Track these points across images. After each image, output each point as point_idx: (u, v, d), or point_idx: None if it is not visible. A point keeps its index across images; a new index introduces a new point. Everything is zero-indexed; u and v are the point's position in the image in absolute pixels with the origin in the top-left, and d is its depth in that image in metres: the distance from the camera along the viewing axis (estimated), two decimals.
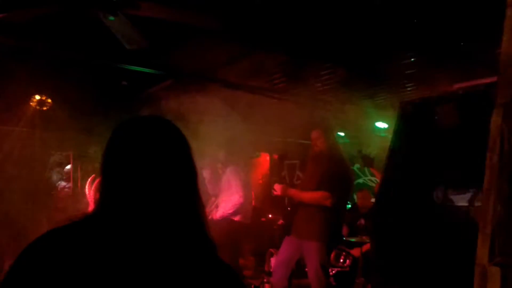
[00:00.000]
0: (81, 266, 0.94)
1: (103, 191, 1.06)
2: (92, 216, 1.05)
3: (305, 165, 3.99)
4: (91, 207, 2.88)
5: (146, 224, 1.01)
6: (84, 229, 1.01)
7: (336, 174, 3.71)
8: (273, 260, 5.46)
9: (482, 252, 1.03)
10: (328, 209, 3.68)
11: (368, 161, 5.23)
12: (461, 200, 2.28)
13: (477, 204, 2.09)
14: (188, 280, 0.99)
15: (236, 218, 4.30)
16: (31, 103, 5.76)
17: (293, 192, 3.93)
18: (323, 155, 3.83)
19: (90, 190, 2.97)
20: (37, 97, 5.72)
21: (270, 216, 6.50)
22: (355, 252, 5.02)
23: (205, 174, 4.53)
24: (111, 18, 2.93)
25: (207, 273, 1.02)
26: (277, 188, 3.92)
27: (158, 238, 1.01)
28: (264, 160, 8.75)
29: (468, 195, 2.26)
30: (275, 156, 8.42)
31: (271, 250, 5.64)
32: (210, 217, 4.34)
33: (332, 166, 3.73)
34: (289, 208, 4.11)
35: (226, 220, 4.25)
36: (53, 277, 0.94)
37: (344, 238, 5.35)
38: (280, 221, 4.37)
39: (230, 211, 4.26)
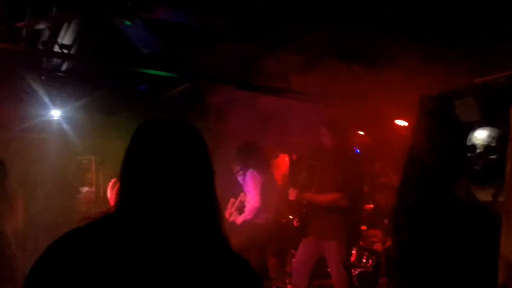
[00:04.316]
0: (98, 267, 0.95)
1: (122, 191, 1.08)
2: (109, 216, 1.06)
3: (318, 163, 3.96)
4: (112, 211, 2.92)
5: (162, 224, 1.02)
6: (101, 230, 1.03)
7: (348, 174, 3.71)
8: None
9: (507, 245, 0.99)
10: (344, 208, 3.67)
11: None
12: (484, 195, 2.22)
13: (501, 199, 2.03)
14: (203, 279, 0.99)
15: (258, 220, 4.32)
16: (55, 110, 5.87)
17: (308, 196, 3.90)
18: (332, 153, 3.82)
19: (111, 194, 3.01)
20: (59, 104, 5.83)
21: (290, 217, 6.47)
22: (377, 246, 4.96)
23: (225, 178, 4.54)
24: (127, 22, 2.97)
25: (223, 272, 1.02)
26: (291, 193, 3.90)
27: (173, 238, 1.02)
28: (283, 161, 8.71)
29: (491, 190, 2.20)
30: (295, 157, 8.36)
31: (292, 251, 5.60)
32: (231, 219, 4.36)
33: (343, 165, 3.72)
34: (304, 210, 4.08)
35: (249, 222, 4.27)
36: (72, 278, 0.95)
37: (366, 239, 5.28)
38: (295, 223, 4.34)
39: (250, 217, 4.28)
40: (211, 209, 1.09)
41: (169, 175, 1.04)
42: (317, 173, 3.91)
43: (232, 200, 4.54)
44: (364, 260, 5.09)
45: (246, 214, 4.32)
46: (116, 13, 2.89)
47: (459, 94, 2.29)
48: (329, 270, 3.90)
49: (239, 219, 4.36)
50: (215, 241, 1.07)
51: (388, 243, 4.68)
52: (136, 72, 5.27)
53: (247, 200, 4.40)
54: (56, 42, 4.24)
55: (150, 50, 3.36)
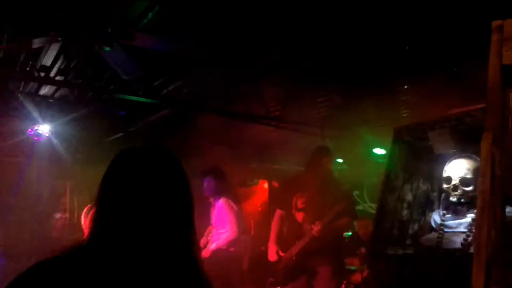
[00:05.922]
0: None
1: (97, 222, 1.04)
2: (82, 248, 1.02)
3: (309, 189, 3.89)
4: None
5: (136, 258, 0.99)
6: (72, 263, 0.99)
7: (349, 200, 3.78)
8: None
9: (478, 281, 0.99)
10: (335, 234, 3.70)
11: None
12: (459, 226, 2.24)
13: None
14: None
15: (232, 249, 4.22)
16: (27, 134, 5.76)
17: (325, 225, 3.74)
18: (328, 180, 3.83)
19: (85, 220, 2.93)
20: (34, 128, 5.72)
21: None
22: (356, 277, 4.94)
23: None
24: (107, 48, 2.97)
25: None
26: (317, 228, 3.60)
27: (147, 272, 0.99)
28: (262, 187, 8.69)
29: (466, 221, 2.22)
30: (275, 184, 8.34)
31: (271, 279, 5.51)
32: (207, 248, 4.26)
33: (343, 191, 3.77)
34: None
35: (222, 251, 4.17)
36: None
37: (345, 266, 5.26)
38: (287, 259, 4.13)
39: (224, 247, 4.17)
40: (188, 243, 1.06)
41: (146, 207, 1.02)
42: (309, 199, 3.81)
43: (209, 228, 4.44)
44: None
45: (222, 244, 4.20)
46: (96, 39, 2.88)
47: (433, 125, 2.33)
48: None
49: (211, 248, 4.25)
50: (190, 278, 1.04)
51: (366, 272, 4.67)
52: (113, 97, 5.23)
53: (219, 227, 4.29)
54: (35, 66, 4.19)
55: (129, 76, 3.35)
